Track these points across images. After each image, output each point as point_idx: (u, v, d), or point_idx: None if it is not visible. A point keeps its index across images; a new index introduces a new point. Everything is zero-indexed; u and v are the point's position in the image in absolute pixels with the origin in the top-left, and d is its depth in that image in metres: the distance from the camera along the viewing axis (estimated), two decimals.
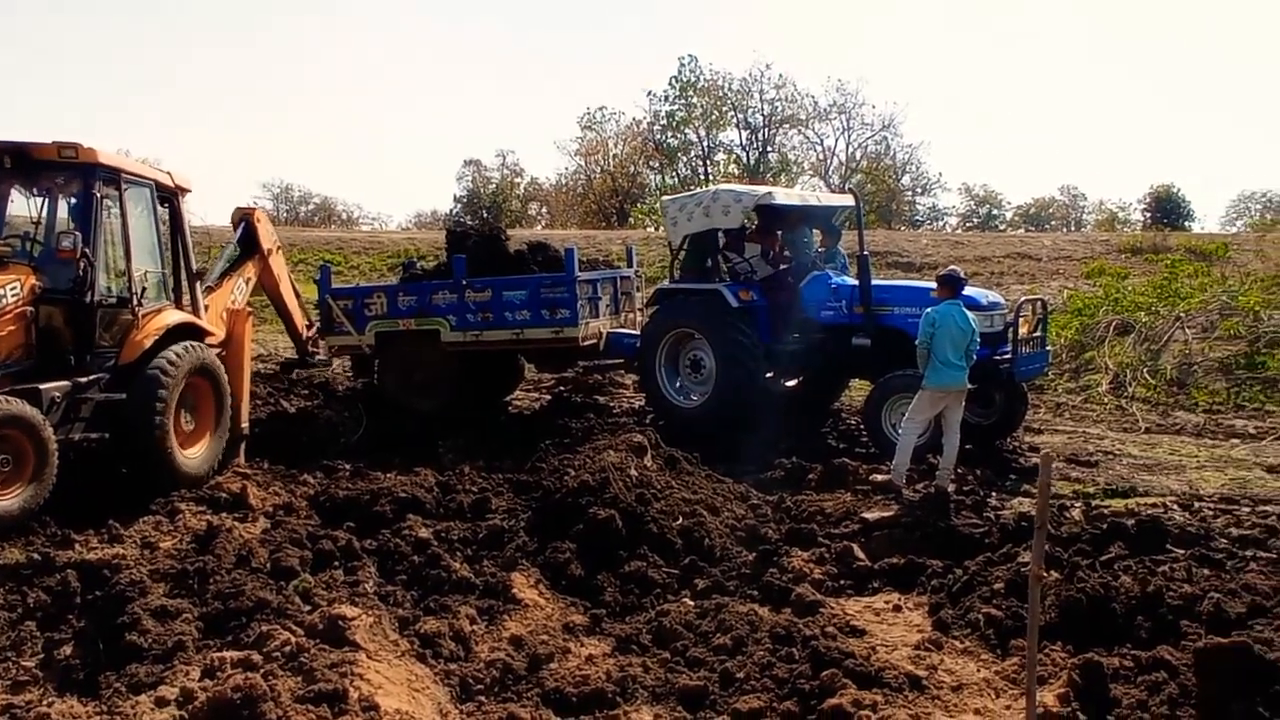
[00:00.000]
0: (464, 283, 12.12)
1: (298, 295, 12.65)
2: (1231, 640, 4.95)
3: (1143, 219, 51.20)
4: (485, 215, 53.55)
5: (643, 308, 13.42)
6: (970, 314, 9.03)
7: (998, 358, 10.30)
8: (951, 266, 9.83)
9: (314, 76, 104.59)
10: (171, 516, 8.11)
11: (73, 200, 8.67)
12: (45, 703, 5.14)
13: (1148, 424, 12.76)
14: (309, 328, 12.70)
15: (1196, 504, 8.85)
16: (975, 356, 9.04)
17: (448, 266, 12.76)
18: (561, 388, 14.61)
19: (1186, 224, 45.12)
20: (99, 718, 4.97)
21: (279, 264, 12.09)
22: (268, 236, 11.75)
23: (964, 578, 6.76)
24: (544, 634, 6.14)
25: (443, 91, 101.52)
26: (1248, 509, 8.67)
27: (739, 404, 11.13)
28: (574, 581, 6.91)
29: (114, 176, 8.68)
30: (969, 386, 9.05)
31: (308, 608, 5.97)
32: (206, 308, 10.08)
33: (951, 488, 8.90)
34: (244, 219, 11.55)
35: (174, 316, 9.19)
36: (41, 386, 7.77)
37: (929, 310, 8.99)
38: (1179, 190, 49.19)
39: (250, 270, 11.37)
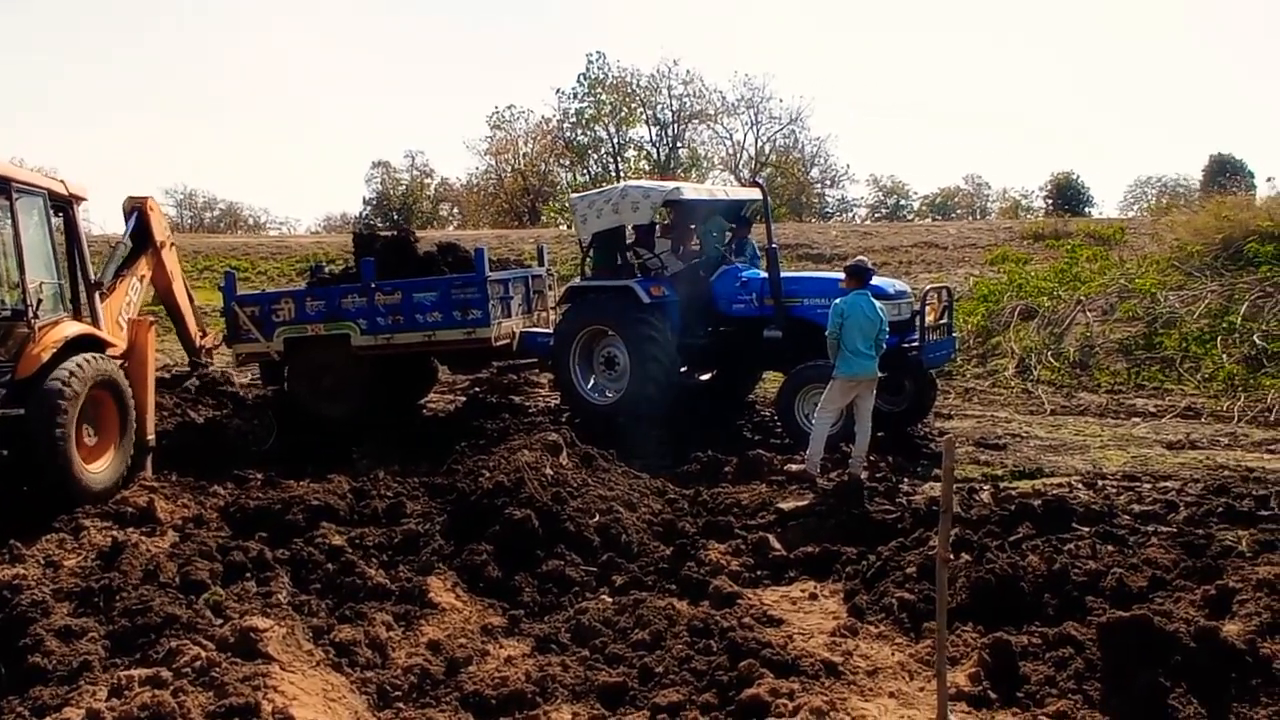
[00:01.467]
0: (373, 285, 11.97)
1: (191, 298, 12.17)
2: (1133, 614, 5.14)
3: (1044, 206, 52.86)
4: (395, 217, 52.94)
5: (555, 306, 13.40)
6: (878, 303, 9.21)
7: (906, 346, 10.54)
8: (859, 257, 10.00)
9: (217, 79, 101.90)
10: (75, 533, 7.88)
11: None
12: None
13: (1053, 406, 13.18)
14: (202, 335, 12.25)
15: (1100, 482, 9.16)
16: (885, 345, 9.23)
17: (356, 270, 12.58)
18: (476, 389, 14.53)
19: (1086, 209, 46.69)
20: None
21: (172, 260, 11.59)
22: (161, 228, 11.28)
23: (877, 564, 6.90)
24: (462, 637, 6.10)
25: (350, 92, 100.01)
26: (1149, 485, 9.00)
27: (654, 399, 11.19)
28: (491, 583, 6.87)
29: (4, 186, 8.38)
30: (879, 375, 9.25)
31: (219, 621, 5.84)
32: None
33: (864, 475, 9.09)
34: (135, 209, 10.99)
35: (73, 328, 8.90)
36: None
37: (838, 301, 9.15)
38: (1079, 177, 50.86)
39: (144, 267, 10.92)
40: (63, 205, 9.32)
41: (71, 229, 9.48)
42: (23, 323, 8.42)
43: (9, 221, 8.44)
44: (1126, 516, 7.85)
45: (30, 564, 7.19)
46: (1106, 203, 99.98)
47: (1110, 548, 6.87)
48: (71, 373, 8.41)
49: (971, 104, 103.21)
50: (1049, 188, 52.86)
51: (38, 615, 5.86)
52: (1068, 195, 48.20)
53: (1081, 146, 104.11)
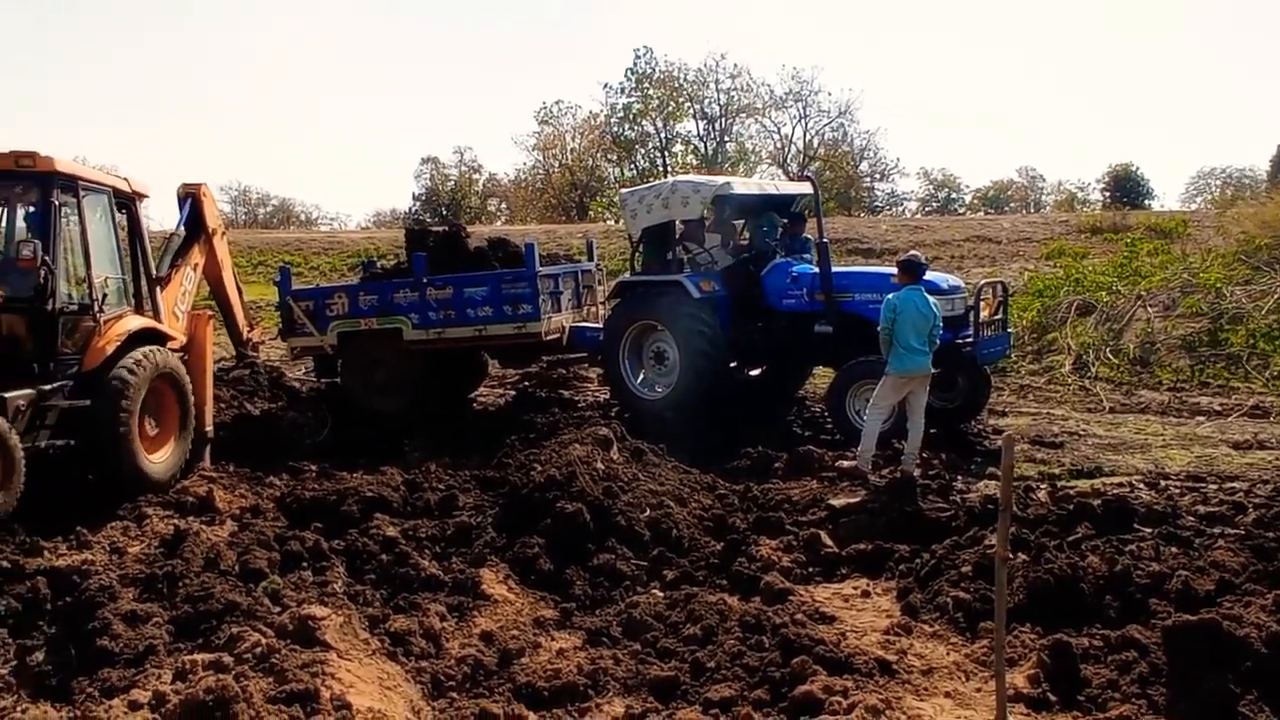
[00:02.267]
0: (425, 280, 12.07)
1: (240, 289, 12.29)
2: (1201, 617, 5.02)
3: (1102, 198, 51.93)
4: (444, 212, 53.27)
5: (604, 301, 13.42)
6: (932, 298, 9.10)
7: (960, 341, 10.40)
8: (912, 252, 9.89)
9: (271, 77, 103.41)
10: (139, 521, 8.07)
11: (31, 209, 8.60)
12: (20, 709, 5.11)
13: (1112, 403, 12.94)
14: (249, 328, 12.38)
15: (1163, 482, 8.95)
16: (938, 341, 9.12)
17: (408, 265, 12.69)
18: (526, 383, 14.59)
19: (1146, 202, 45.80)
20: None
21: (223, 249, 11.70)
22: (213, 215, 11.39)
23: (931, 562, 6.84)
24: (514, 629, 6.15)
25: (399, 90, 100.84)
26: (1214, 486, 8.77)
27: (703, 395, 11.17)
28: (543, 576, 6.91)
29: (71, 184, 8.60)
30: (933, 371, 9.15)
31: (277, 609, 5.95)
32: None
33: (917, 472, 8.99)
34: (189, 195, 11.09)
35: (135, 322, 9.12)
36: (6, 395, 7.70)
37: (890, 296, 9.04)
38: (1138, 169, 49.86)
39: (197, 255, 11.06)
40: (126, 202, 9.55)
41: (134, 225, 9.70)
42: (89, 316, 8.65)
43: (76, 218, 8.66)
44: (1191, 518, 7.65)
45: (97, 550, 7.42)
46: (1168, 195, 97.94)
47: (1174, 550, 6.71)
48: (134, 365, 8.63)
49: (1025, 95, 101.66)
50: (1107, 180, 51.93)
51: (105, 600, 6.00)
52: (1127, 187, 47.29)
53: (1141, 137, 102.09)
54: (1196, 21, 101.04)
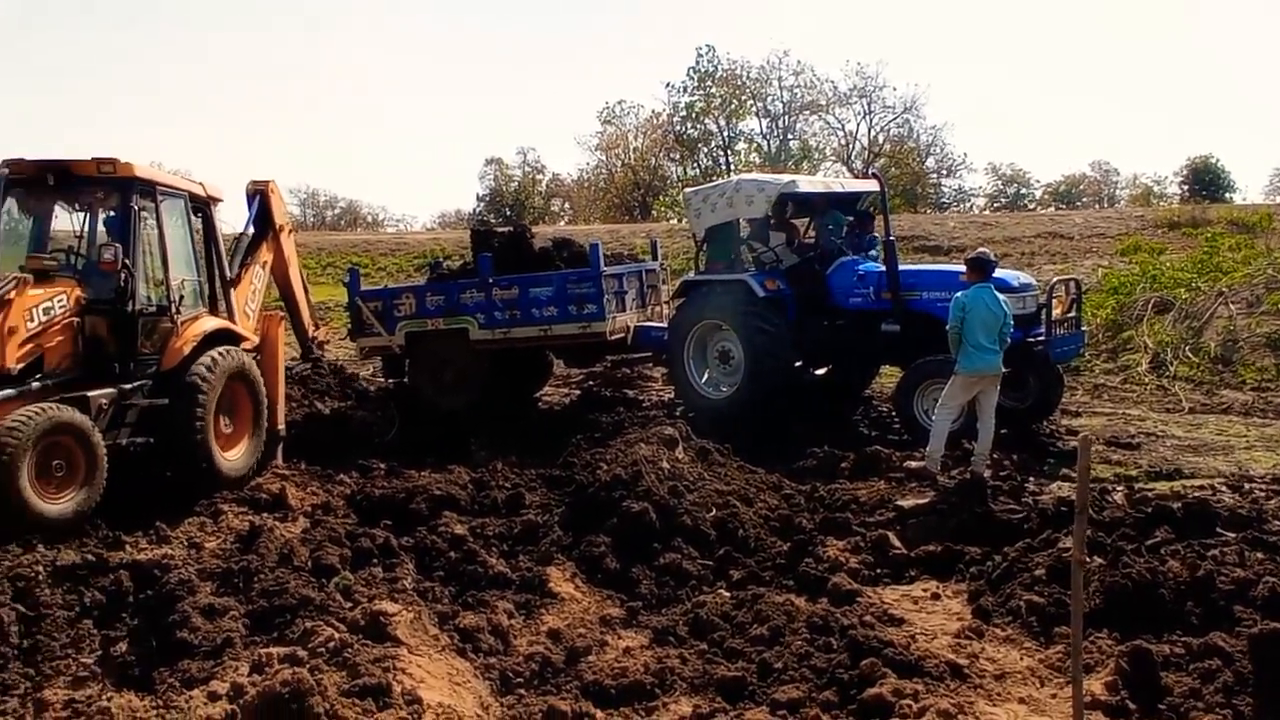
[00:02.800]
0: (490, 281, 12.18)
1: (306, 287, 12.38)
2: None
3: (1180, 192, 50.53)
4: (508, 213, 53.71)
5: (669, 300, 13.42)
6: (1001, 296, 8.94)
7: (1031, 340, 10.22)
8: (981, 249, 9.73)
9: (335, 81, 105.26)
10: (215, 517, 8.28)
11: (112, 213, 8.86)
12: (105, 697, 5.26)
13: (1191, 404, 12.61)
14: (315, 326, 12.48)
15: (1247, 485, 8.69)
16: (1009, 339, 8.95)
17: (474, 265, 12.82)
18: (590, 382, 14.66)
19: (1227, 195, 44.39)
20: (155, 712, 5.09)
21: (290, 246, 11.78)
22: (281, 212, 11.48)
23: (1004, 565, 6.73)
24: (581, 627, 6.18)
25: (463, 91, 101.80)
26: None
27: (769, 394, 11.12)
28: (609, 574, 6.94)
29: (150, 189, 8.86)
30: (1003, 370, 8.97)
31: (349, 604, 6.05)
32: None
33: (987, 473, 8.84)
34: (258, 192, 11.11)
35: (211, 323, 9.35)
36: (89, 394, 8.00)
37: (959, 295, 8.90)
38: (1218, 161, 48.28)
39: (265, 253, 11.17)
40: (201, 206, 9.79)
41: (209, 229, 9.94)
42: (166, 318, 8.90)
43: (154, 222, 8.92)
44: (1277, 522, 7.37)
45: (175, 545, 7.63)
46: (1250, 188, 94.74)
47: (1260, 555, 6.47)
48: (210, 366, 8.86)
49: (1097, 86, 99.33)
50: (1185, 173, 50.46)
51: (184, 593, 6.16)
52: (1206, 180, 45.87)
53: (1222, 128, 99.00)
54: (1277, 7, 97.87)
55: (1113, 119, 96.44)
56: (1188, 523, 7.17)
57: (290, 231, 11.91)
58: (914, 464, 9.11)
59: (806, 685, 5.29)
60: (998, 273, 9.49)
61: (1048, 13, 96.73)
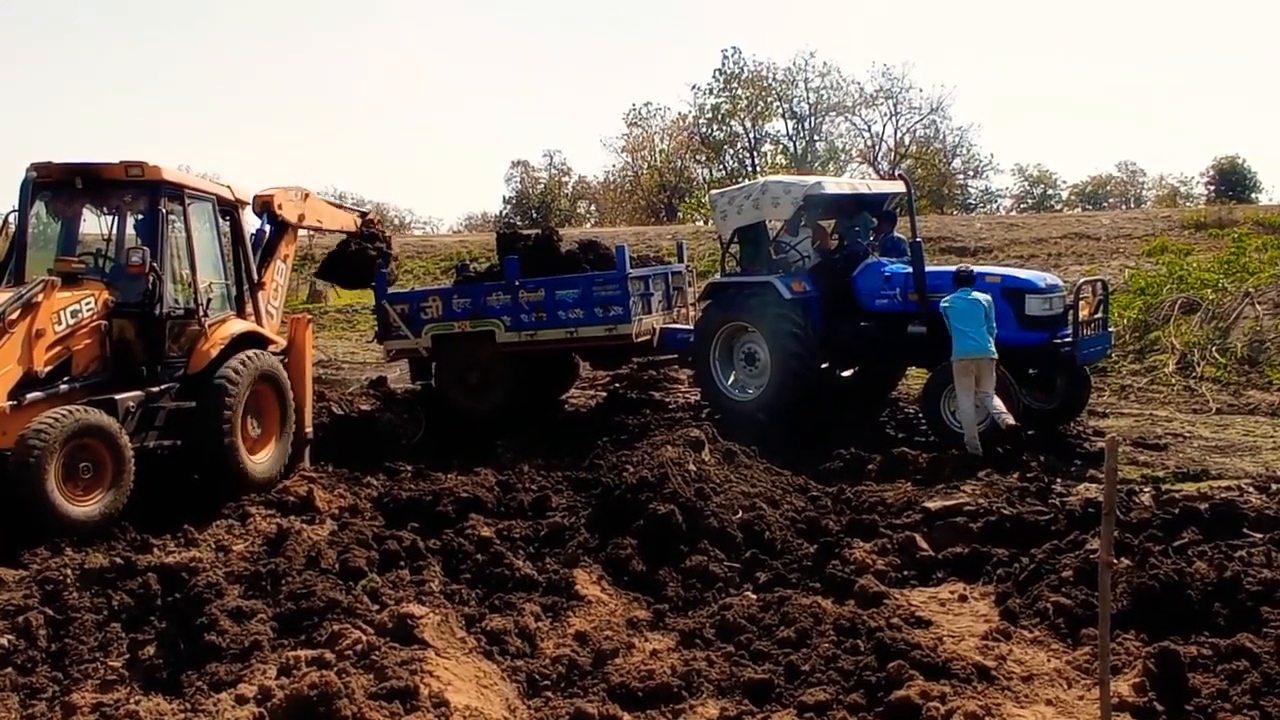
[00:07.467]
0: (517, 283, 12.20)
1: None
2: None
3: (1206, 193, 50.05)
4: (534, 215, 53.85)
5: (695, 302, 13.40)
6: (979, 295, 9.78)
7: (1058, 341, 10.16)
8: (961, 265, 10.96)
9: (361, 84, 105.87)
10: (242, 520, 8.35)
11: (140, 217, 8.94)
12: (133, 700, 5.32)
13: (1219, 404, 12.48)
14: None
15: (1274, 486, 8.59)
16: (994, 326, 9.74)
17: (500, 268, 12.86)
18: (617, 385, 14.64)
19: (1254, 196, 43.99)
20: (183, 715, 5.14)
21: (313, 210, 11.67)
22: (291, 209, 11.21)
23: (1031, 566, 6.69)
24: (608, 629, 6.19)
25: (488, 93, 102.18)
26: None
27: (795, 396, 11.09)
28: (636, 577, 6.95)
29: (178, 193, 8.92)
30: (994, 356, 9.60)
31: (376, 607, 6.09)
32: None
33: (1012, 421, 9.50)
34: (265, 209, 10.86)
35: (238, 326, 9.41)
36: (117, 397, 8.07)
37: (942, 302, 9.86)
38: (1245, 161, 47.87)
39: (284, 248, 11.14)
40: (229, 210, 9.85)
41: (237, 232, 10.00)
42: (194, 321, 8.95)
43: (182, 226, 8.96)
44: None
45: (203, 548, 7.69)
46: (1277, 189, 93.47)
47: None
48: (238, 368, 8.91)
49: (1123, 88, 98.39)
50: (1211, 173, 50.04)
51: (212, 596, 6.21)
52: (1233, 181, 45.52)
53: (1248, 129, 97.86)
54: None
55: (1139, 120, 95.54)
56: (1215, 524, 7.13)
57: (308, 204, 11.57)
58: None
59: (834, 687, 5.28)
60: (1023, 273, 10.61)
61: (1073, 15, 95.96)
